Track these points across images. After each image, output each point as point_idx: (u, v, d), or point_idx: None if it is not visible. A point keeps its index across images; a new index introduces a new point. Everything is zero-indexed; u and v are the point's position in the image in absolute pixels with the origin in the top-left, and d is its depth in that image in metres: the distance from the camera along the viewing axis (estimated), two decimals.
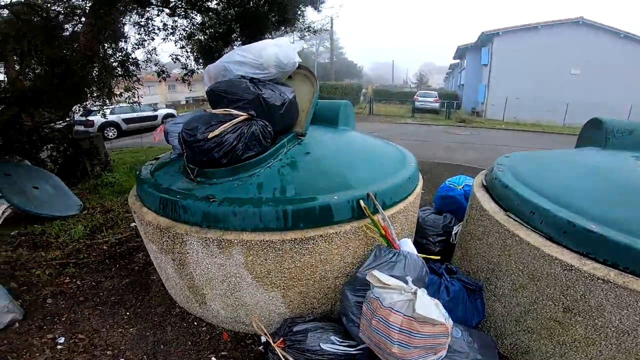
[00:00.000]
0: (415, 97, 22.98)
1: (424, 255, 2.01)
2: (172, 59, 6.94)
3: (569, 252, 1.67)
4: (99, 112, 7.80)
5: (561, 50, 18.54)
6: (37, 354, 2.15)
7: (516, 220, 1.93)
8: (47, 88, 4.55)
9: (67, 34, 5.38)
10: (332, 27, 7.89)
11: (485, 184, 2.49)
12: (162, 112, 15.97)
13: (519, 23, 20.14)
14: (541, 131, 15.88)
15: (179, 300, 2.56)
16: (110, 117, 12.90)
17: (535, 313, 1.82)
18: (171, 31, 6.80)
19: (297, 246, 1.85)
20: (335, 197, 1.88)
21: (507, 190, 2.09)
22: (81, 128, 10.19)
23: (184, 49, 7.02)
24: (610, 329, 1.55)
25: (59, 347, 2.23)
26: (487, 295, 2.13)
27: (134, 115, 14.14)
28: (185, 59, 7.03)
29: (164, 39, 6.87)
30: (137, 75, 6.27)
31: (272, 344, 1.89)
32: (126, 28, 6.38)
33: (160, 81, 7.09)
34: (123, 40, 6.11)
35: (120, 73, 5.96)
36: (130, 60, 6.09)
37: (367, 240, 1.99)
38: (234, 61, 2.29)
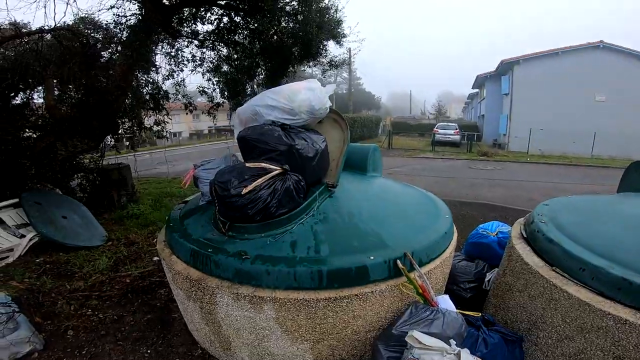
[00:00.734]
0: (435, 129, 22.75)
1: (463, 312, 1.95)
2: (199, 91, 7.16)
3: (622, 307, 1.62)
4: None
5: (583, 77, 18.21)
6: None
7: (564, 276, 1.87)
8: (83, 117, 4.70)
9: (103, 61, 5.56)
10: (350, 58, 8.06)
11: (525, 235, 2.38)
12: None
13: (539, 50, 19.95)
14: (569, 163, 15.41)
15: (202, 342, 2.46)
16: None
17: None
18: (199, 63, 7.04)
19: (331, 304, 1.81)
20: (372, 258, 1.85)
21: (553, 245, 2.01)
22: None
23: (210, 81, 7.25)
24: None
25: None
26: (527, 345, 2.05)
27: None
28: (212, 92, 7.24)
29: (192, 71, 7.11)
30: (167, 109, 6.44)
31: None
32: (157, 59, 6.62)
33: (188, 113, 7.28)
34: (155, 71, 6.31)
35: (151, 106, 6.14)
36: (162, 93, 6.28)
37: (402, 297, 1.95)
38: (265, 105, 2.26)
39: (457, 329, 1.80)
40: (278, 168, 2.00)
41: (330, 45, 7.55)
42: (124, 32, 5.40)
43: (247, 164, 2.05)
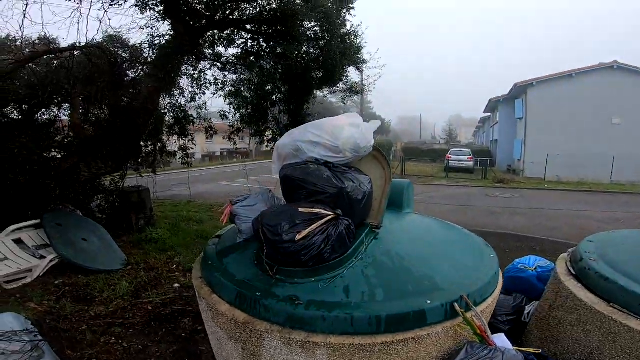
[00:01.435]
0: (448, 155, 22.18)
1: (520, 348, 1.95)
2: (221, 116, 7.21)
3: None
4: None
5: (599, 99, 17.98)
6: None
7: (622, 311, 2.00)
8: (108, 138, 4.71)
9: (128, 80, 5.59)
10: (362, 81, 8.17)
11: (573, 272, 2.51)
12: None
13: (552, 72, 19.83)
14: (588, 190, 15.06)
15: None
16: None
17: None
18: (221, 86, 7.12)
19: (386, 348, 1.76)
20: (428, 302, 1.84)
21: (609, 284, 2.14)
22: None
23: (231, 105, 7.30)
24: None
25: None
26: None
27: None
28: (232, 117, 7.27)
29: (214, 94, 7.20)
30: (192, 134, 6.45)
31: None
32: (181, 81, 6.67)
33: (208, 137, 7.30)
34: (181, 94, 6.37)
35: (177, 131, 6.17)
36: (188, 117, 6.30)
37: (456, 337, 1.94)
38: (307, 141, 2.17)
39: None
40: (331, 213, 1.96)
41: (350, 71, 7.63)
42: (152, 52, 5.50)
43: (300, 209, 1.98)
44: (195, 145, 7.00)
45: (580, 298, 2.21)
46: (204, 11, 5.48)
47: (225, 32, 6.41)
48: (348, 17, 6.82)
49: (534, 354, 2.15)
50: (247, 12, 6.09)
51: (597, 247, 2.54)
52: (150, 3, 5.30)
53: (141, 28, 5.50)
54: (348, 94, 7.94)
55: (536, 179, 17.99)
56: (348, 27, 6.98)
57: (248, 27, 6.19)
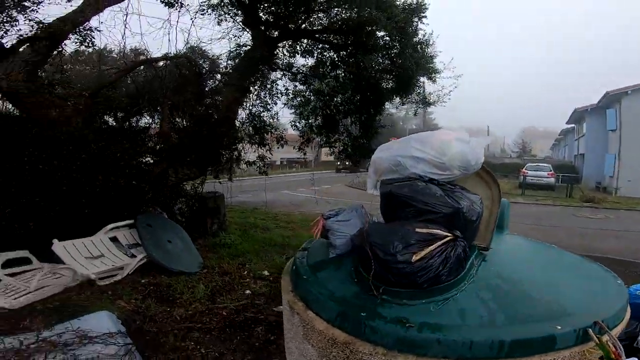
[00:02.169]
0: (524, 170, 19.71)
1: None
2: (292, 126, 7.37)
3: None
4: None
5: None
6: None
7: None
8: (192, 146, 5.02)
9: (208, 90, 5.93)
10: (423, 91, 7.78)
11: None
12: None
13: None
14: None
15: None
16: None
17: None
18: (292, 96, 7.28)
19: None
20: (559, 327, 1.72)
21: None
22: None
23: (301, 116, 7.42)
24: None
25: None
26: None
27: None
28: (303, 126, 7.39)
29: (285, 104, 7.38)
30: (269, 144, 6.66)
31: None
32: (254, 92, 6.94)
33: (279, 147, 7.49)
34: (259, 104, 6.61)
35: (256, 140, 6.41)
36: (266, 126, 6.50)
37: None
38: (410, 156, 2.06)
39: None
40: (449, 234, 1.87)
41: (422, 81, 7.35)
42: (230, 63, 5.78)
43: (417, 229, 1.88)
44: (272, 155, 7.19)
45: None
46: (281, 22, 5.65)
47: (304, 42, 6.55)
48: (420, 25, 6.60)
49: None
50: (321, 21, 6.19)
51: None
52: (231, 13, 5.61)
53: (220, 38, 5.83)
54: (420, 105, 7.63)
55: (634, 199, 15.71)
56: (420, 36, 6.75)
57: (323, 37, 6.26)
